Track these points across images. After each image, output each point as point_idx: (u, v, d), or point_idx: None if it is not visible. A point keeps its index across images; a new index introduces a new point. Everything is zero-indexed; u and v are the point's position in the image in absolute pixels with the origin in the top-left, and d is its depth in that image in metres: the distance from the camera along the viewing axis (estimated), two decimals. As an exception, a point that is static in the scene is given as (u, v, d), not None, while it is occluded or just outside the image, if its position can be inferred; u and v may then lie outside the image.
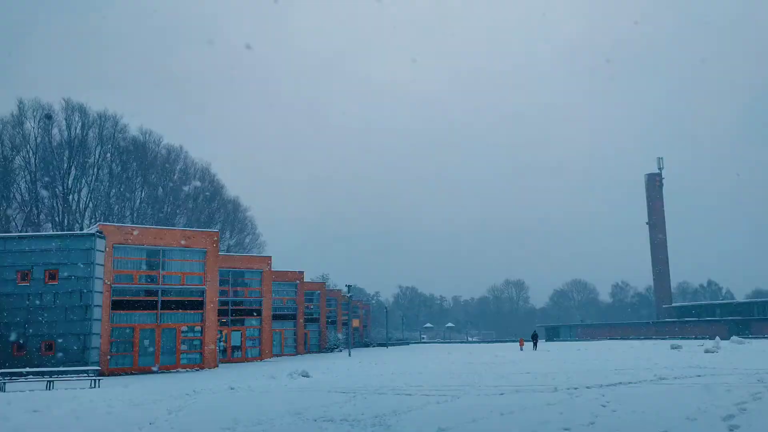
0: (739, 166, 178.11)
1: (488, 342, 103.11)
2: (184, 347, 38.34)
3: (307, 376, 27.21)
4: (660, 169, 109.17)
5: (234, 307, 49.98)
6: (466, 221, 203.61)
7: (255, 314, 50.67)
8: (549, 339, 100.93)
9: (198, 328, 38.92)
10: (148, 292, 37.61)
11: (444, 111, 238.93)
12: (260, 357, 49.81)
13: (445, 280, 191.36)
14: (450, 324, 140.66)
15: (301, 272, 61.30)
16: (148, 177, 67.94)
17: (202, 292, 39.12)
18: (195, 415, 15.90)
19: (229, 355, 48.45)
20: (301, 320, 60.34)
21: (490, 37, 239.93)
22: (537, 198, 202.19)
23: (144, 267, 37.97)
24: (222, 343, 47.48)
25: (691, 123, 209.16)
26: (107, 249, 35.53)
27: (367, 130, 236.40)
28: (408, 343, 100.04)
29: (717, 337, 50.99)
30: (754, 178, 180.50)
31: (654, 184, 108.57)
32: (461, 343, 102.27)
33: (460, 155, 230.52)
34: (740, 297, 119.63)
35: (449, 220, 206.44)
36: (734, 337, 55.56)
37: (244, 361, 47.95)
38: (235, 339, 49.60)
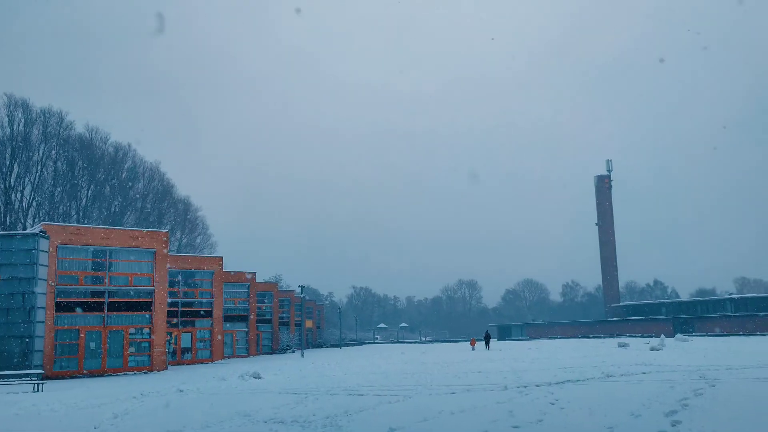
0: (686, 168, 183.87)
1: (442, 342, 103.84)
2: (131, 349, 37.45)
3: (259, 378, 26.89)
4: (609, 171, 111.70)
5: (184, 309, 49.09)
6: (420, 222, 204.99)
7: (206, 315, 49.87)
8: (501, 338, 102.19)
9: (146, 330, 38.09)
10: (95, 294, 36.60)
11: (402, 114, 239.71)
12: (211, 359, 49.06)
13: (399, 281, 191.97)
14: (404, 324, 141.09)
15: (253, 273, 60.60)
16: (95, 175, 66.18)
17: (151, 293, 38.29)
18: (141, 418, 15.52)
19: (179, 357, 47.58)
20: (254, 321, 59.66)
21: (444, 48, 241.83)
22: (490, 198, 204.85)
23: (90, 268, 36.91)
24: (171, 345, 46.60)
25: (638, 124, 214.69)
26: (51, 249, 34.44)
27: (324, 130, 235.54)
28: (362, 344, 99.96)
29: (662, 335, 52.42)
30: (699, 179, 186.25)
31: (603, 185, 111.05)
32: (415, 343, 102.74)
33: (417, 158, 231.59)
34: (684, 296, 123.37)
35: (404, 220, 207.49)
36: (678, 335, 57.25)
37: (194, 363, 47.13)
38: (185, 341, 48.72)
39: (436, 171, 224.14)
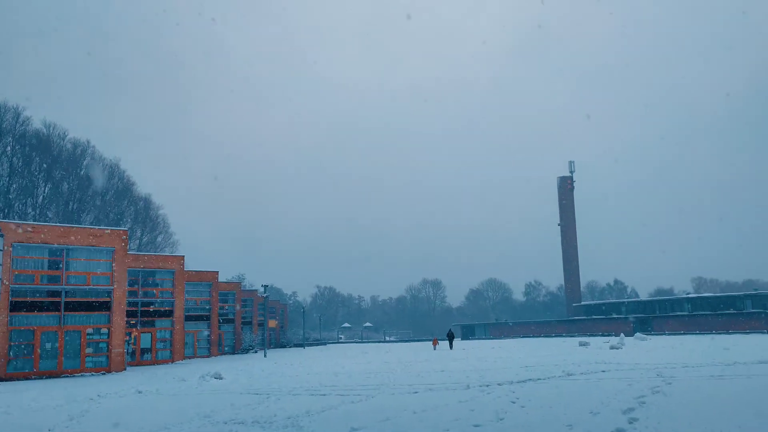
0: (646, 169, 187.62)
1: (406, 341, 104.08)
2: (89, 350, 36.63)
3: (220, 378, 26.57)
4: (571, 172, 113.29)
5: (144, 308, 48.26)
6: (384, 221, 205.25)
7: (166, 315, 49.09)
8: (464, 337, 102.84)
9: (104, 330, 37.30)
10: (51, 293, 35.71)
11: (366, 113, 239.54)
12: (171, 359, 48.31)
13: (363, 280, 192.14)
14: (368, 324, 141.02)
15: (216, 272, 59.88)
16: (53, 172, 64.64)
17: (110, 293, 37.53)
18: (98, 420, 15.18)
19: (138, 357, 46.76)
20: (216, 321, 58.96)
21: (411, 48, 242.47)
22: (455, 198, 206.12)
23: (47, 266, 36.00)
24: (130, 346, 45.79)
25: (601, 125, 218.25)
26: (5, 247, 33.46)
27: (290, 127, 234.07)
28: (325, 344, 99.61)
29: (622, 334, 53.32)
30: (660, 180, 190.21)
31: (565, 186, 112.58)
32: (379, 342, 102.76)
33: (383, 157, 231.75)
34: (644, 295, 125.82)
35: (369, 220, 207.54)
36: (638, 334, 58.35)
37: (154, 364, 46.36)
38: (145, 341, 47.87)
39: (401, 171, 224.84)
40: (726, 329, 74.05)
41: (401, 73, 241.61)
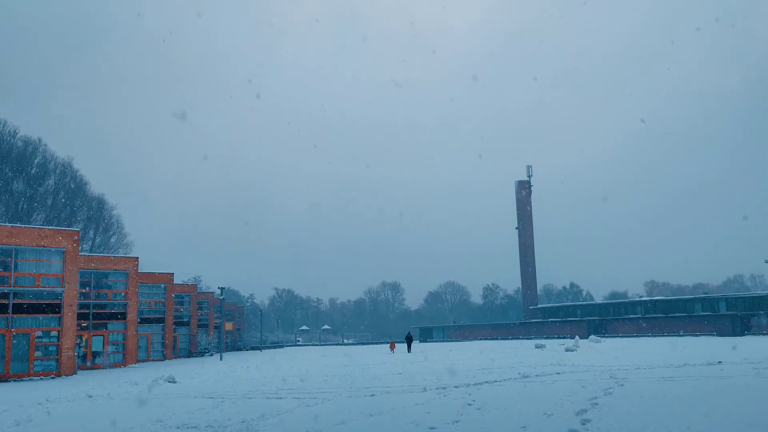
0: (602, 175, 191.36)
1: (364, 344, 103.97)
2: (38, 353, 35.57)
3: (174, 382, 26.10)
4: (529, 176, 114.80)
5: (96, 311, 47.10)
6: (342, 223, 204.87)
7: (119, 318, 48.00)
8: (423, 340, 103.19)
9: (54, 333, 36.28)
10: (-2, 295, 34.60)
11: (320, 111, 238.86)
12: (124, 363, 47.27)
13: (322, 283, 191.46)
14: (326, 326, 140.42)
15: (171, 274, 58.86)
16: (2, 170, 62.68)
17: (60, 295, 36.52)
18: (45, 425, 14.75)
19: (90, 361, 45.62)
20: (170, 324, 57.95)
21: (372, 48, 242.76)
22: (414, 201, 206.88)
23: (-6, 267, 34.89)
24: (81, 349, 44.68)
25: (560, 131, 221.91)
26: (-50, 247, 32.34)
27: (247, 127, 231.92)
28: (283, 346, 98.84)
29: (576, 336, 54.28)
30: (615, 186, 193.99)
31: (523, 190, 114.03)
32: (337, 345, 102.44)
33: (341, 159, 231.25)
34: (599, 299, 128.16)
35: (327, 222, 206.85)
36: (592, 336, 59.44)
37: (106, 368, 45.31)
38: (97, 344, 46.71)
39: (361, 173, 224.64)
40: (677, 332, 75.95)
41: (361, 68, 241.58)
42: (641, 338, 68.26)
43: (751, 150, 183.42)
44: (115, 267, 48.60)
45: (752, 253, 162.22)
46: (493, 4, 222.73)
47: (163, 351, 56.69)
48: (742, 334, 68.15)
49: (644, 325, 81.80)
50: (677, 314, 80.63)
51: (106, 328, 47.43)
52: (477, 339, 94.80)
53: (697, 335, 69.92)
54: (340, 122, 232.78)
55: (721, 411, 11.78)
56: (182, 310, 64.56)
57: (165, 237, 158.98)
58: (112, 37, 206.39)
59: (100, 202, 75.15)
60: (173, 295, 59.64)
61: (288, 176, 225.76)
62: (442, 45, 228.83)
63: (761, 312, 72.75)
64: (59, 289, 36.56)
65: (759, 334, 67.03)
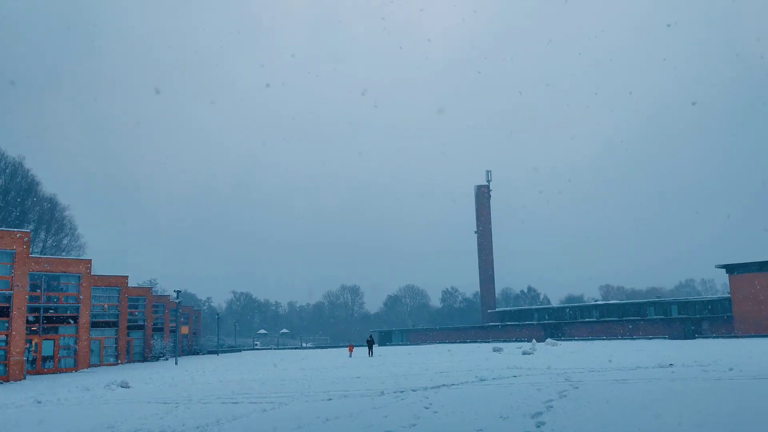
0: (559, 180, 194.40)
1: (323, 347, 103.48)
2: (-15, 358, 34.49)
3: (127, 387, 25.55)
4: (488, 181, 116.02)
5: (47, 314, 45.87)
6: (302, 227, 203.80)
7: (71, 321, 46.84)
8: (382, 344, 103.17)
9: (2, 336, 35.19)
10: (-58, 298, 33.42)
11: (277, 111, 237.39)
12: (76, 367, 46.13)
13: (280, 286, 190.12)
14: (285, 330, 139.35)
15: (126, 277, 57.68)
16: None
17: (9, 298, 35.45)
18: (-12, 434, 14.24)
19: (39, 365, 44.37)
20: (124, 328, 56.73)
21: (343, 50, 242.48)
22: (374, 204, 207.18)
23: (-62, 269, 33.70)
24: (31, 353, 43.43)
25: (516, 135, 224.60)
26: None
27: (204, 128, 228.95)
28: (240, 350, 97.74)
29: (533, 340, 54.90)
30: (571, 191, 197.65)
31: (483, 194, 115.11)
32: (295, 349, 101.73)
33: (300, 163, 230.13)
34: (555, 302, 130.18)
35: (286, 225, 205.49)
36: (549, 339, 60.18)
37: (56, 372, 44.14)
38: (47, 348, 45.48)
39: (323, 176, 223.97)
40: (631, 335, 77.54)
41: (328, 67, 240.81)
42: (596, 341, 69.49)
43: (703, 161, 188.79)
44: (67, 269, 47.41)
45: (703, 259, 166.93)
46: (471, 7, 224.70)
47: (116, 355, 55.49)
48: (693, 337, 69.94)
49: (599, 328, 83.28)
50: (631, 318, 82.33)
51: (56, 332, 46.23)
52: (436, 342, 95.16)
53: (650, 338, 71.48)
54: (304, 121, 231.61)
55: (671, 411, 12.03)
56: (137, 313, 63.33)
57: (121, 240, 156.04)
58: (72, 32, 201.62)
59: (52, 203, 73.25)
60: (128, 298, 58.45)
61: (247, 178, 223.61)
62: (410, 46, 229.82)
63: (711, 316, 74.77)
64: (8, 292, 35.52)
65: (709, 337, 68.87)
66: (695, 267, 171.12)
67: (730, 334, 67.63)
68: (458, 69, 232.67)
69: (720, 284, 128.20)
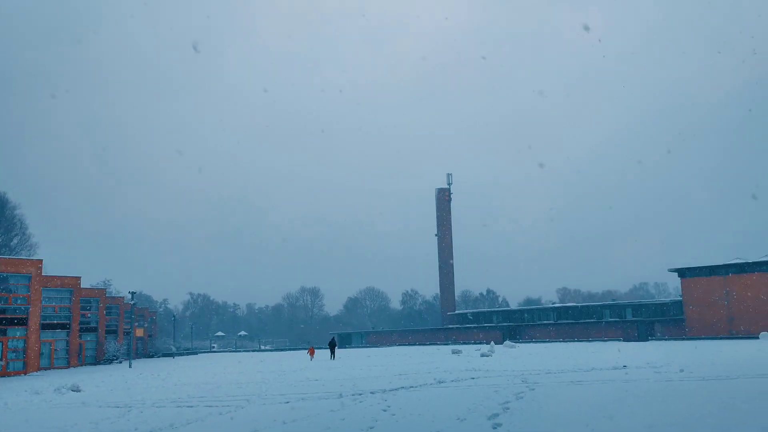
0: (518, 183, 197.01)
1: (282, 350, 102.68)
2: (-72, 362, 33.23)
3: (78, 391, 24.92)
4: (449, 184, 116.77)
5: (-5, 316, 44.48)
6: (261, 229, 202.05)
7: (20, 323, 45.48)
8: (341, 346, 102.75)
9: (-53, 339, 33.99)
10: None
11: (242, 110, 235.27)
12: (25, 370, 44.81)
13: (239, 288, 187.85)
14: (243, 332, 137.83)
15: (78, 278, 56.28)
16: None
17: (-45, 299, 34.27)
18: (-71, 440, 13.70)
19: (-13, 369, 43.00)
20: (77, 330, 55.35)
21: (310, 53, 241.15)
22: (334, 206, 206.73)
23: None
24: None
25: (478, 138, 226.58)
26: None
27: (152, 127, 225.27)
28: (197, 353, 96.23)
29: (492, 342, 55.33)
30: (530, 195, 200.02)
31: (443, 198, 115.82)
32: (254, 351, 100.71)
33: (262, 162, 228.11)
34: (514, 305, 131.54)
35: (246, 226, 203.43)
36: (507, 341, 60.84)
37: (4, 376, 42.81)
38: (-5, 351, 44.10)
39: (283, 177, 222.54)
40: (587, 337, 78.84)
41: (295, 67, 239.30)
42: (554, 343, 70.45)
43: (656, 166, 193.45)
44: (16, 269, 46.07)
45: (656, 262, 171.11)
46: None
47: (67, 358, 54.10)
48: (647, 339, 71.49)
49: (557, 330, 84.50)
50: (587, 320, 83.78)
51: (5, 334, 44.87)
52: (396, 345, 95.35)
53: (605, 340, 72.80)
54: (263, 120, 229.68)
55: (624, 412, 12.25)
56: (89, 315, 61.85)
57: (74, 241, 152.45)
58: (27, 33, 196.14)
59: (2, 201, 71.13)
60: (80, 299, 57.05)
61: (207, 178, 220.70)
62: (378, 49, 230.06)
63: (664, 318, 76.57)
64: (-47, 293, 34.29)
65: (662, 338, 70.48)
66: (649, 271, 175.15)
67: (682, 336, 69.35)
68: (428, 71, 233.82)
69: (672, 288, 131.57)
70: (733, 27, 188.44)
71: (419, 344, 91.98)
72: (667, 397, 14.66)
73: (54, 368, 51.12)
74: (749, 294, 65.56)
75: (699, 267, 70.38)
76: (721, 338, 62.56)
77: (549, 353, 41.88)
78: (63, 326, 54.30)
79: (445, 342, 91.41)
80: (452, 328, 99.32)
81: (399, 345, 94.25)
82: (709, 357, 30.02)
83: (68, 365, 53.49)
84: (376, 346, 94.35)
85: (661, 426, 10.56)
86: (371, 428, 11.99)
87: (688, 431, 10.23)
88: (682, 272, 71.60)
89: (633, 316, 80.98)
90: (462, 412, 13.18)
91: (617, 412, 12.40)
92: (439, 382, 21.24)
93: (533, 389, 17.28)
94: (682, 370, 21.23)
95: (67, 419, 16.04)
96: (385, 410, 14.38)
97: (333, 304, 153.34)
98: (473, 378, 22.53)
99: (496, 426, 11.26)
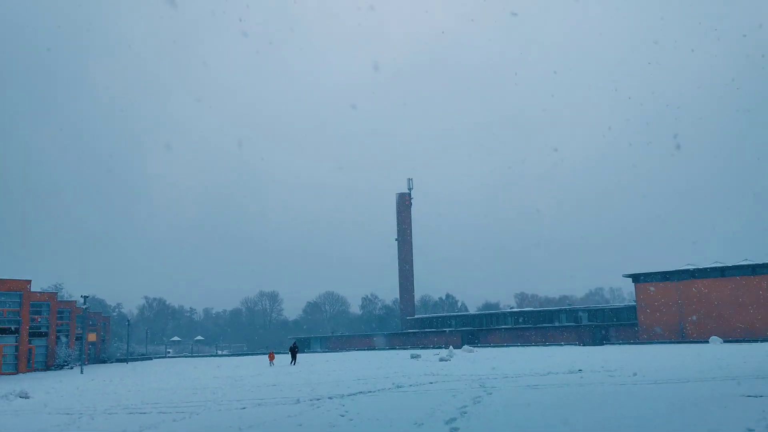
0: (477, 190, 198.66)
1: (240, 355, 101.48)
2: None
3: (26, 397, 24.18)
4: (410, 189, 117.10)
5: (-61, 320, 42.92)
6: (219, 230, 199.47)
7: (-34, 328, 44.01)
8: (300, 351, 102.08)
9: None
10: None
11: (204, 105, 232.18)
12: (-29, 377, 43.33)
13: (196, 292, 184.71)
14: (199, 337, 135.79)
15: (28, 281, 54.68)
16: None
17: None
18: None
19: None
20: (26, 334, 53.72)
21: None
22: (292, 210, 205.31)
23: None
24: None
25: (440, 144, 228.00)
26: None
27: (112, 122, 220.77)
28: (152, 358, 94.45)
29: (451, 346, 55.74)
30: (488, 201, 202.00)
31: (404, 203, 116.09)
32: (211, 356, 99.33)
33: (219, 163, 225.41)
34: (473, 309, 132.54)
35: (202, 228, 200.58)
36: (466, 346, 61.26)
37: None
38: (-61, 357, 42.54)
39: (242, 177, 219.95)
40: (544, 341, 79.88)
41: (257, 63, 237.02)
42: (512, 348, 71.16)
43: (611, 171, 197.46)
44: (-37, 272, 44.50)
45: (612, 268, 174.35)
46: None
47: (16, 364, 52.45)
48: (601, 344, 72.76)
49: (514, 334, 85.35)
50: (544, 325, 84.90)
51: (-51, 340, 43.32)
52: (355, 349, 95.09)
53: (561, 345, 73.83)
54: (221, 119, 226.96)
55: (579, 416, 12.39)
56: (40, 320, 60.14)
57: (24, 243, 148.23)
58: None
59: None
60: (30, 303, 55.43)
61: (160, 177, 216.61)
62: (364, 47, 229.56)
63: (618, 323, 78.09)
64: None
65: (616, 343, 71.82)
66: (604, 276, 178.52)
67: (635, 340, 70.81)
68: (394, 65, 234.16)
69: (627, 293, 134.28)
70: None
71: (379, 349, 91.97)
72: (620, 400, 14.90)
73: (1, 374, 49.52)
74: (701, 300, 67.35)
75: (652, 273, 72.03)
76: (672, 342, 64.10)
77: (506, 357, 42.27)
78: (11, 331, 52.65)
79: (405, 347, 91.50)
80: (412, 332, 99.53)
81: (358, 350, 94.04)
82: (662, 361, 30.69)
83: (17, 371, 51.87)
84: (336, 351, 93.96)
85: (615, 429, 10.70)
86: (328, 434, 11.89)
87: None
88: (636, 277, 73.16)
89: (588, 321, 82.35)
90: (420, 417, 13.16)
91: (572, 415, 12.54)
92: (398, 387, 21.22)
93: (490, 393, 17.38)
94: (635, 374, 21.62)
95: (13, 427, 15.55)
96: (342, 415, 14.28)
97: (292, 309, 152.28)
98: (431, 383, 22.57)
99: (453, 430, 11.27)
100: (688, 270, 69.36)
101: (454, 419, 12.54)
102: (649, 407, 13.65)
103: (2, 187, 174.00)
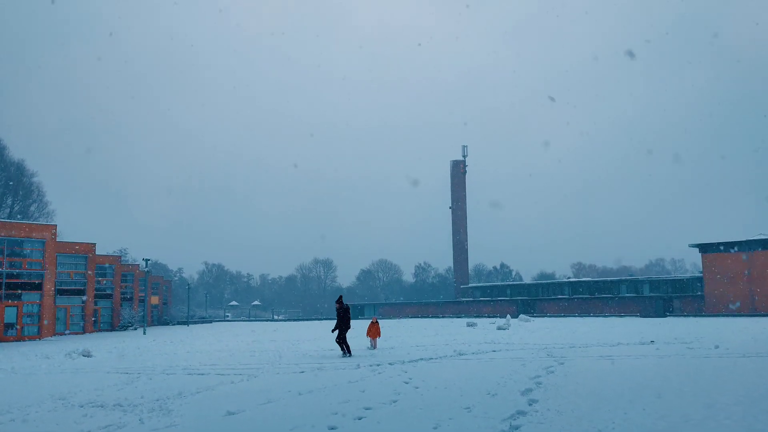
0: (534, 158, 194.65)
1: (295, 320, 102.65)
2: (-60, 325, 32.93)
3: (89, 356, 24.38)
4: (464, 156, 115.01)
5: (9, 280, 44.20)
6: (276, 200, 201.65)
7: (35, 288, 45.22)
8: (353, 317, 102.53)
9: (-42, 302, 33.65)
10: None
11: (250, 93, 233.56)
12: (39, 335, 44.65)
13: (253, 258, 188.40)
14: (256, 302, 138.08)
15: (93, 244, 55.89)
16: None
17: (-34, 262, 33.84)
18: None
19: (1, 333, 42.81)
20: (92, 296, 55.12)
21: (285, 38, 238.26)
22: (347, 179, 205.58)
23: None
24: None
25: (494, 111, 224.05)
26: None
27: (177, 104, 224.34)
28: (211, 321, 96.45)
29: (508, 315, 54.49)
30: (547, 170, 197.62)
31: (458, 170, 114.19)
32: (267, 321, 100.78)
33: (272, 137, 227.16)
34: (527, 279, 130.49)
35: (259, 197, 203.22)
36: (522, 315, 59.89)
37: (19, 340, 42.67)
38: (10, 315, 43.90)
39: (293, 150, 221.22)
40: (602, 312, 77.83)
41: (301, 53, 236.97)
42: (568, 318, 69.49)
43: (675, 144, 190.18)
44: (30, 234, 45.67)
45: (672, 239, 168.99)
46: None
47: (82, 324, 53.94)
48: (664, 316, 70.28)
49: (571, 305, 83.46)
50: (603, 295, 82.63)
51: (20, 299, 44.65)
52: (408, 317, 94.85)
53: (621, 316, 71.70)
54: (273, 101, 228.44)
55: (672, 391, 11.19)
56: (105, 282, 61.71)
57: (91, 210, 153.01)
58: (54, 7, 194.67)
59: (20, 168, 70.85)
60: (96, 266, 56.78)
61: (221, 152, 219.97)
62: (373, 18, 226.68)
63: (682, 294, 75.32)
64: (-36, 256, 33.85)
65: (680, 315, 69.29)
66: (665, 247, 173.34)
67: (701, 312, 68.15)
68: (433, 36, 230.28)
69: (689, 264, 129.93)
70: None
71: (432, 317, 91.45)
72: (714, 374, 13.61)
73: (69, 333, 51.00)
74: (772, 271, 64.11)
75: (721, 243, 68.86)
76: (742, 315, 61.32)
77: (567, 327, 40.94)
78: (78, 292, 54.06)
79: (458, 315, 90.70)
80: (466, 301, 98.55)
81: (411, 317, 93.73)
82: (739, 334, 28.89)
83: (83, 331, 53.35)
84: (389, 318, 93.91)
85: (723, 405, 9.54)
86: (394, 402, 11.11)
87: (756, 411, 9.19)
88: (704, 248, 70.14)
89: (650, 292, 79.75)
90: (491, 387, 12.28)
91: (665, 390, 11.37)
92: (460, 354, 20.40)
93: (562, 363, 16.34)
94: (717, 347, 20.16)
95: (73, 385, 15.40)
96: (406, 382, 13.53)
97: (346, 276, 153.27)
98: (494, 351, 21.66)
99: (531, 402, 10.32)
100: (759, 240, 66.01)
101: (529, 390, 11.60)
102: (751, 382, 12.37)
103: (69, 154, 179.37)
